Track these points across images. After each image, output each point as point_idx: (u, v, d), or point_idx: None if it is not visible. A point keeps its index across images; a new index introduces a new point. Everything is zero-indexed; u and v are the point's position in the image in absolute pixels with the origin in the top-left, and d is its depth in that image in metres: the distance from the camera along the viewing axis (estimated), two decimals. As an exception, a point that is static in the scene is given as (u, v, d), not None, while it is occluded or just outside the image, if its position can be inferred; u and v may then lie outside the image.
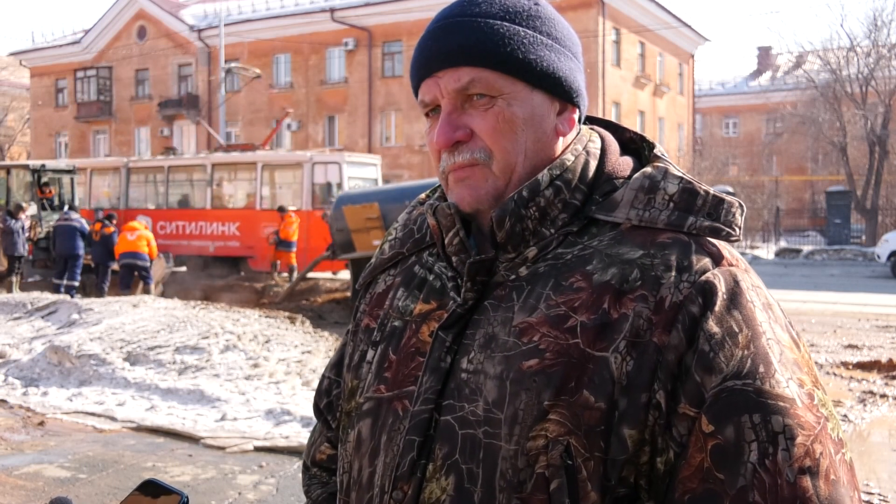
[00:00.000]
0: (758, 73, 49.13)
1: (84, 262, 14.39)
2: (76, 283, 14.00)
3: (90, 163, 23.69)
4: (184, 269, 18.74)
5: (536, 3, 0.94)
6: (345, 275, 15.89)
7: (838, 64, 29.99)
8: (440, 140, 0.91)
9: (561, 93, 0.93)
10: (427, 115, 0.95)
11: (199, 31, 36.31)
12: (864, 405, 6.73)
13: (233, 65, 22.70)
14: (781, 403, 0.78)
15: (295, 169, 18.16)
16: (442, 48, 0.91)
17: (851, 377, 7.81)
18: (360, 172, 17.78)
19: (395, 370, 0.95)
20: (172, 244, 18.91)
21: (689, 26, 35.63)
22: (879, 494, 4.67)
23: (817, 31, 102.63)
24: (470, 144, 0.91)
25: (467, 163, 0.91)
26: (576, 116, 0.96)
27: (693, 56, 37.90)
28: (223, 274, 17.57)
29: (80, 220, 14.28)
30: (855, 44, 30.02)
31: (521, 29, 0.91)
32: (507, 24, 0.91)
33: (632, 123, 31.07)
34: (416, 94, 0.96)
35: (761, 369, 0.79)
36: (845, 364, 8.36)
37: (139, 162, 21.37)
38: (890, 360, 8.24)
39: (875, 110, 29.41)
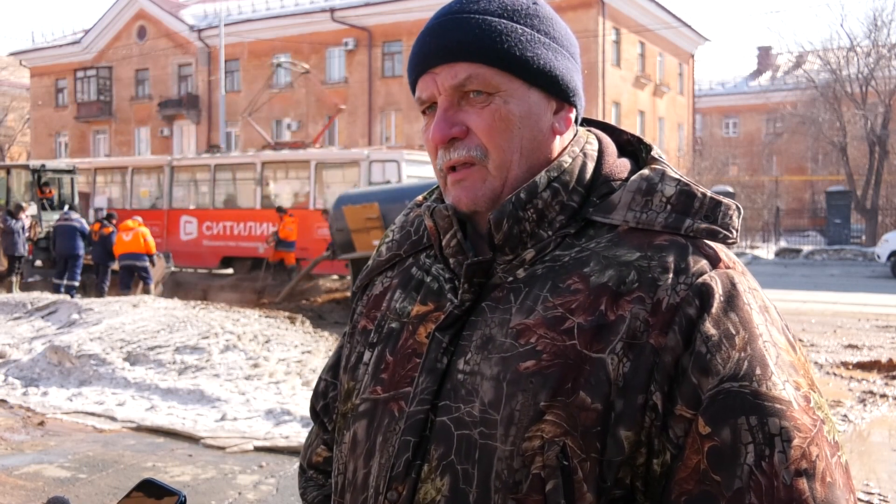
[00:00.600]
0: (758, 73, 49.13)
1: (84, 262, 14.39)
2: (76, 283, 14.01)
3: (131, 161, 22.62)
4: (230, 271, 18.33)
5: (535, 2, 0.94)
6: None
7: (838, 64, 30.00)
8: (436, 136, 0.91)
9: (557, 91, 0.93)
10: (424, 112, 0.96)
11: (199, 31, 36.30)
12: (864, 405, 6.73)
13: (282, 59, 22.10)
14: (778, 406, 0.78)
15: (350, 167, 17.39)
16: (440, 44, 0.91)
17: (851, 377, 7.81)
18: (419, 171, 16.88)
19: (392, 371, 0.95)
20: (219, 245, 18.43)
21: (689, 26, 35.62)
22: (879, 494, 4.67)
23: (817, 31, 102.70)
24: (466, 141, 0.91)
25: (463, 160, 0.91)
26: (572, 116, 0.96)
27: (693, 56, 37.89)
28: (273, 277, 16.85)
29: (79, 220, 14.29)
30: (855, 44, 30.04)
31: (518, 26, 0.91)
32: (504, 21, 0.91)
33: (632, 123, 31.07)
34: (414, 92, 0.96)
35: (758, 371, 0.79)
36: (845, 364, 8.36)
37: (183, 160, 20.42)
38: (890, 360, 8.24)
39: (875, 110, 29.42)
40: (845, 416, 6.38)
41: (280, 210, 16.83)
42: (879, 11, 37.72)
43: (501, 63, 0.90)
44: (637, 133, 1.01)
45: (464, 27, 0.90)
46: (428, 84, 0.93)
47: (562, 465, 0.81)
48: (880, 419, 6.43)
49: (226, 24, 33.15)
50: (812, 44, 55.71)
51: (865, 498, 4.59)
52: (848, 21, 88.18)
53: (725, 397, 0.79)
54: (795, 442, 0.77)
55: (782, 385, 0.79)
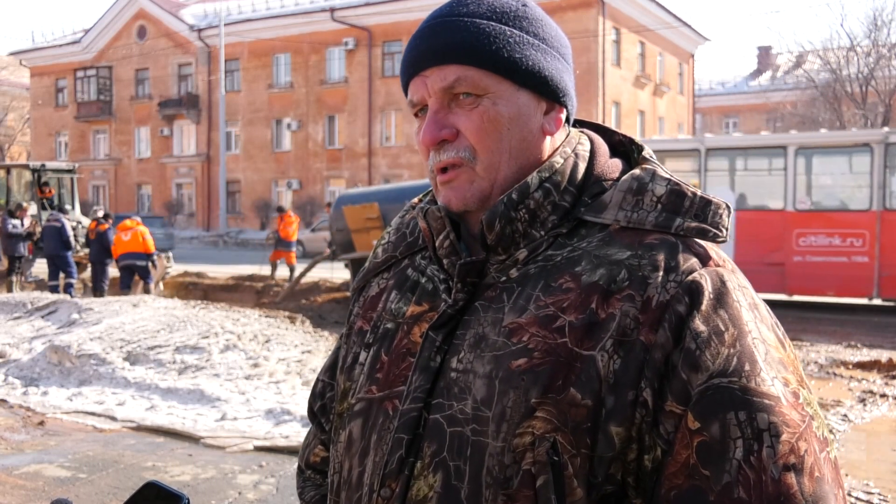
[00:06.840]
0: (758, 72, 49.12)
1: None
2: (74, 280, 14.01)
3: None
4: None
5: (524, 4, 0.95)
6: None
7: (838, 64, 29.97)
8: (426, 138, 0.92)
9: (547, 92, 0.94)
10: (416, 114, 0.97)
11: (199, 30, 36.34)
12: (864, 405, 6.73)
13: None
14: (766, 401, 0.79)
15: None
16: (429, 47, 0.93)
17: (851, 377, 7.81)
18: None
19: (387, 371, 0.96)
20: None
21: (689, 26, 35.64)
22: (879, 494, 4.67)
23: (817, 31, 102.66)
24: (455, 143, 0.92)
25: (452, 161, 0.92)
26: (563, 117, 0.97)
27: (693, 56, 37.90)
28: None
29: (61, 220, 14.25)
30: (855, 43, 30.01)
31: (507, 28, 0.92)
32: (493, 23, 0.92)
33: (632, 123, 31.07)
34: (406, 94, 0.98)
35: (747, 367, 0.80)
36: (845, 364, 8.36)
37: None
38: (890, 360, 8.25)
39: (875, 110, 29.38)
40: (845, 415, 6.38)
41: (280, 210, 16.86)
42: (879, 11, 37.70)
43: (490, 65, 0.91)
44: (635, 133, 1.02)
45: (453, 30, 0.92)
46: (419, 87, 0.94)
47: (552, 460, 0.82)
48: (880, 419, 6.43)
49: (226, 24, 33.18)
50: (812, 43, 55.59)
51: (865, 498, 4.58)
52: (848, 21, 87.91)
53: (714, 393, 0.79)
54: (784, 437, 0.78)
55: (771, 381, 0.80)
